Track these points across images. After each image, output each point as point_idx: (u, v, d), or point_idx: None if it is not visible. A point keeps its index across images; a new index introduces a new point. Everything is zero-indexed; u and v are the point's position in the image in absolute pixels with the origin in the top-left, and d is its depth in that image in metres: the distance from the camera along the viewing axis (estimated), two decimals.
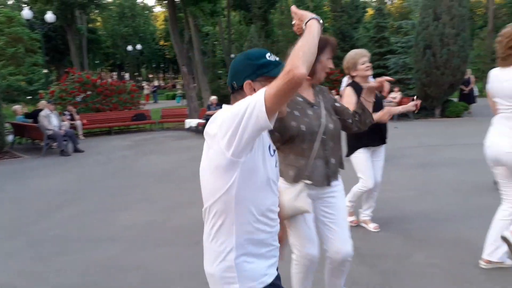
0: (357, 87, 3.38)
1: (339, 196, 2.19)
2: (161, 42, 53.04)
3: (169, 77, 60.97)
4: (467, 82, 13.66)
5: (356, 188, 3.70)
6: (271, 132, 1.74)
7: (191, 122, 12.77)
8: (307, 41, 1.19)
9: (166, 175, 6.81)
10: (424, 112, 13.61)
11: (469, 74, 13.76)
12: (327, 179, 2.10)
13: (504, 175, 2.72)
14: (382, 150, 3.75)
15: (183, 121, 13.63)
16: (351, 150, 3.63)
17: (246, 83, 1.31)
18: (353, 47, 28.33)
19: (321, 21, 1.29)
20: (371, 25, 41.70)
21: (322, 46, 1.95)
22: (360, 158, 3.58)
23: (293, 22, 1.53)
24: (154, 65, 56.09)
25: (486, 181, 4.94)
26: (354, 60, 3.45)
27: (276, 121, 1.26)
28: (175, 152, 9.22)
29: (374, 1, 47.47)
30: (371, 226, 3.78)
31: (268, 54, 1.34)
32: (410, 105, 3.23)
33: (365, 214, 3.87)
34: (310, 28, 1.26)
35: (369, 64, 3.46)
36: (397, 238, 3.55)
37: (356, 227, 3.79)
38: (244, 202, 1.27)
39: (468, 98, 13.84)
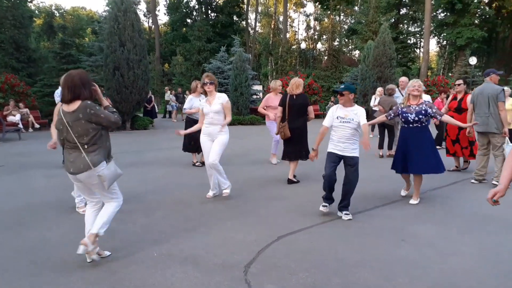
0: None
1: None
2: None
3: None
4: (149, 100, 16.56)
5: None
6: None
7: None
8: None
9: None
10: None
11: (150, 94, 16.71)
12: None
13: None
14: None
15: None
16: None
17: None
18: (30, 59, 26.69)
19: None
20: (41, 38, 39.62)
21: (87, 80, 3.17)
22: None
23: None
24: None
25: (177, 168, 7.24)
26: None
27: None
28: None
29: (41, 12, 45.59)
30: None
31: None
32: None
33: (79, 200, 4.77)
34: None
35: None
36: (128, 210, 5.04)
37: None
38: None
39: (151, 114, 16.79)
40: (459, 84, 7.02)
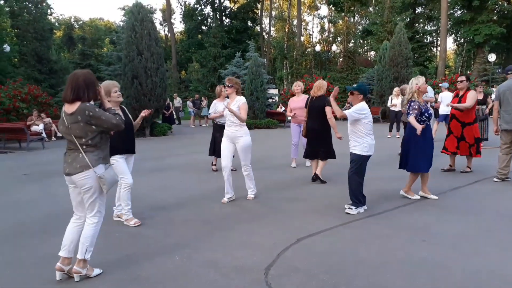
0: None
1: None
2: None
3: None
4: (167, 107, 16.78)
5: (123, 191, 4.58)
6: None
7: None
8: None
9: None
10: (136, 132, 15.72)
11: (168, 101, 16.94)
12: None
13: None
14: (132, 158, 4.83)
15: None
16: (110, 154, 4.27)
17: None
18: (52, 70, 27.41)
19: None
20: (62, 50, 40.66)
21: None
22: (118, 162, 4.48)
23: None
24: None
25: (196, 173, 7.31)
26: (108, 88, 4.25)
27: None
28: None
29: (61, 24, 46.80)
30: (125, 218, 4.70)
31: None
32: None
33: (118, 209, 4.78)
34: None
35: (120, 93, 4.39)
36: (149, 214, 5.12)
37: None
38: None
39: (169, 120, 17.01)
40: (461, 81, 6.76)
